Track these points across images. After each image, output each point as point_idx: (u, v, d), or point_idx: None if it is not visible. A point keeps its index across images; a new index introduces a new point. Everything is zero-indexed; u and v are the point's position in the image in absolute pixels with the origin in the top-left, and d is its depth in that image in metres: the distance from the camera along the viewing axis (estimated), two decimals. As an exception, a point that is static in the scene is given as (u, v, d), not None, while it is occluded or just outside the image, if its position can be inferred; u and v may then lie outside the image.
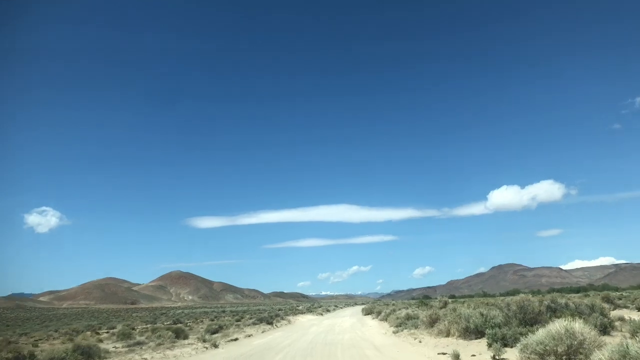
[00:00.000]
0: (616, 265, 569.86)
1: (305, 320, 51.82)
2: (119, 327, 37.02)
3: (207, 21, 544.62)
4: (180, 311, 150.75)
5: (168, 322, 60.85)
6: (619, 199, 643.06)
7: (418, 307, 45.50)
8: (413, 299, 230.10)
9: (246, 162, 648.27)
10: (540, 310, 16.40)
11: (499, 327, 15.64)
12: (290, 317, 52.38)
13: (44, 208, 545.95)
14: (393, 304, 70.59)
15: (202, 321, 56.71)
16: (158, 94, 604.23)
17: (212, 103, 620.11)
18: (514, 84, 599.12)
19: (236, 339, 25.35)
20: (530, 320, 16.29)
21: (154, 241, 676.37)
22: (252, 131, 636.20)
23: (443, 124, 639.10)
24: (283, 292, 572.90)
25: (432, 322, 24.84)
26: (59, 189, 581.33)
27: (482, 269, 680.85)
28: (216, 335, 27.60)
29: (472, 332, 17.99)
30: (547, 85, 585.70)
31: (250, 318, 45.19)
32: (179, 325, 34.68)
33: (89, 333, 35.98)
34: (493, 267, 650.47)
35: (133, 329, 36.73)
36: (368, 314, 60.25)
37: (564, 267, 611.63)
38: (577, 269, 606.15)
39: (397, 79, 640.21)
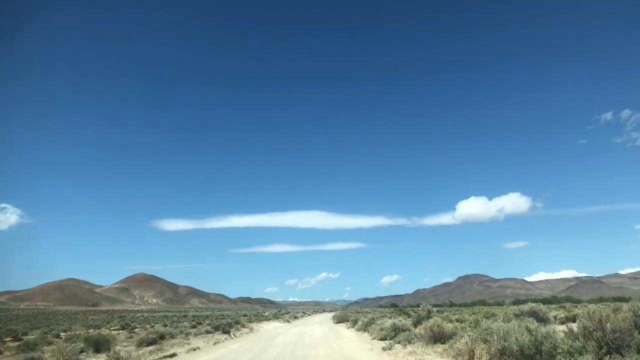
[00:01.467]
0: (577, 278, 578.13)
1: (270, 328, 45.29)
2: (34, 334, 29.60)
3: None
4: (139, 315, 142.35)
5: (115, 327, 53.78)
6: (583, 213, 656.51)
7: (399, 316, 39.50)
8: (381, 306, 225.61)
9: (217, 165, 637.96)
10: (628, 329, 10.43)
11: (580, 353, 9.59)
12: (254, 325, 45.72)
13: (3, 205, 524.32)
14: (368, 312, 64.51)
15: (153, 326, 49.93)
16: (127, 94, 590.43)
17: (183, 105, 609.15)
18: (484, 98, 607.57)
19: (172, 356, 18.64)
20: (615, 343, 10.33)
21: (119, 243, 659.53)
22: (224, 134, 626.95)
23: (415, 135, 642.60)
24: (250, 298, 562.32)
25: (435, 338, 18.76)
26: (20, 186, 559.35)
27: (449, 279, 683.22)
28: (150, 347, 20.92)
29: (514, 357, 11.97)
30: (516, 101, 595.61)
31: (209, 324, 38.53)
32: (106, 334, 27.45)
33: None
34: (459, 277, 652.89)
35: (58, 336, 29.62)
36: (340, 322, 54.01)
37: (528, 279, 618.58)
38: (540, 281, 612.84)
39: (370, 89, 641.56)
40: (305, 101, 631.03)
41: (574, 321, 36.33)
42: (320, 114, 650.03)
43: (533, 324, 12.52)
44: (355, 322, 37.72)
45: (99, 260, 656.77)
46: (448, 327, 18.85)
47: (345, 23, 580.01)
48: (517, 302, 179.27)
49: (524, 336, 11.68)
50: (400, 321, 28.81)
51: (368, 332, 28.56)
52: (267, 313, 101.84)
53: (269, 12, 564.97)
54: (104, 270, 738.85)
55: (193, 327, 39.73)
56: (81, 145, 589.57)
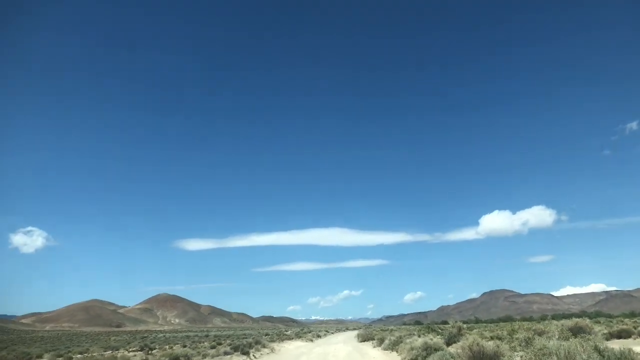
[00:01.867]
0: (607, 292, 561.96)
1: (292, 348, 43.34)
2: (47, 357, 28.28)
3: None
4: (161, 335, 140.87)
5: (134, 349, 52.32)
6: (609, 225, 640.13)
7: (427, 333, 37.25)
8: (405, 324, 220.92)
9: (238, 183, 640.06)
10: None
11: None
12: (276, 344, 43.74)
13: (30, 228, 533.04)
14: (393, 329, 62.09)
15: (172, 347, 48.41)
16: (148, 109, 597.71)
17: (203, 120, 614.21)
18: (506, 110, 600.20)
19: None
20: None
21: (142, 263, 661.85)
22: (245, 151, 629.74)
23: (436, 150, 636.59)
24: (272, 317, 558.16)
25: (475, 358, 16.75)
26: (46, 209, 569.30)
27: (474, 295, 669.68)
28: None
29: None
30: (539, 112, 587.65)
31: (229, 345, 36.76)
32: (121, 356, 26.01)
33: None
34: (484, 293, 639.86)
35: (71, 358, 28.23)
36: (365, 341, 51.78)
37: (555, 294, 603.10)
38: (568, 296, 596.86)
39: (391, 103, 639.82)
40: (325, 116, 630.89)
41: (619, 337, 33.79)
42: (340, 129, 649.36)
43: (602, 343, 10.52)
44: (381, 341, 35.58)
45: (122, 281, 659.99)
46: (489, 345, 16.81)
47: (363, 31, 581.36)
48: (544, 317, 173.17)
49: (592, 357, 9.76)
50: (431, 339, 26.70)
51: (396, 351, 26.53)
52: (289, 332, 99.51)
53: (282, 18, 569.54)
54: (127, 291, 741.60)
55: (212, 347, 37.98)
56: (104, 167, 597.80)
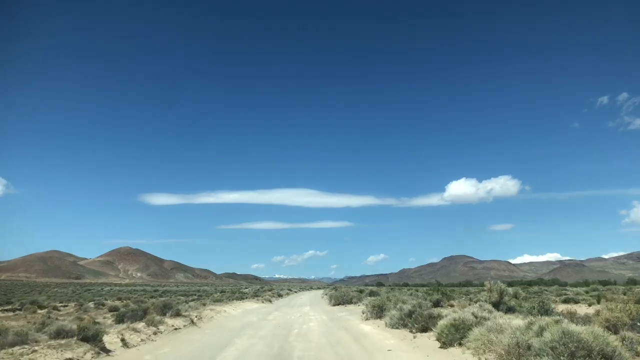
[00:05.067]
0: (561, 261, 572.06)
1: (236, 314, 29.90)
2: None
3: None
4: (108, 288, 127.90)
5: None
6: (570, 198, 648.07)
7: (445, 299, 24.14)
8: (366, 285, 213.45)
9: (207, 141, 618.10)
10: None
11: None
12: (207, 310, 30.08)
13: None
14: (373, 290, 49.17)
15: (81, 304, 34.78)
16: (116, 67, 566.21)
17: (174, 79, 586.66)
18: (476, 79, 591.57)
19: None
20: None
21: (105, 216, 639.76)
22: (214, 109, 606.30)
23: (407, 115, 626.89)
24: (236, 274, 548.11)
25: None
26: (6, 156, 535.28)
27: (434, 259, 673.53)
28: None
29: None
30: (509, 82, 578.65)
31: (113, 313, 22.89)
32: None
33: None
34: (444, 258, 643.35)
35: None
36: (338, 304, 38.75)
37: (512, 261, 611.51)
38: (524, 264, 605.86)
39: (361, 67, 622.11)
40: (295, 78, 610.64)
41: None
42: (310, 91, 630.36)
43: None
44: (376, 310, 21.91)
45: (84, 233, 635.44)
46: None
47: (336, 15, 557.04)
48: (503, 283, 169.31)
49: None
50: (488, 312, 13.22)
51: (441, 341, 12.99)
52: (247, 290, 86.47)
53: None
54: (88, 243, 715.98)
55: (114, 311, 24.11)
56: (68, 116, 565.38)
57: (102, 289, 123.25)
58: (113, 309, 25.19)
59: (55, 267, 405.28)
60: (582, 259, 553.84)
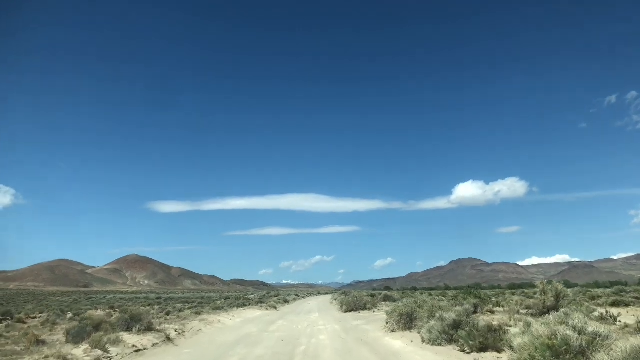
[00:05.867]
0: (569, 262, 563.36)
1: (237, 323, 25.40)
2: None
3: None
4: (111, 296, 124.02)
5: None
6: (578, 199, 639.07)
7: (483, 303, 19.54)
8: (374, 289, 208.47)
9: (213, 147, 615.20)
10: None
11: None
12: (212, 316, 25.70)
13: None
14: (384, 295, 44.67)
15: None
16: (123, 71, 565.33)
17: (179, 86, 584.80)
18: (482, 81, 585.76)
19: None
20: None
21: (113, 224, 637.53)
22: (221, 115, 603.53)
23: (413, 118, 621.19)
24: (243, 280, 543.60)
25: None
26: (15, 166, 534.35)
27: (442, 263, 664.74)
28: None
29: None
30: (516, 83, 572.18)
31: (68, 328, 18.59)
32: None
33: None
34: (452, 261, 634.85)
35: None
36: (350, 311, 34.14)
37: (520, 263, 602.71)
38: (532, 266, 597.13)
39: (369, 74, 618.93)
40: (302, 82, 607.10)
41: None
42: (317, 96, 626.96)
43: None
44: (405, 319, 17.20)
45: (91, 241, 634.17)
46: None
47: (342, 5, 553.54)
48: (511, 286, 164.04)
49: None
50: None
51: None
52: (252, 296, 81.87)
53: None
54: (96, 251, 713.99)
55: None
56: (76, 126, 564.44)
57: (105, 297, 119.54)
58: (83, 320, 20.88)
59: (63, 276, 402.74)
60: (591, 260, 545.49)
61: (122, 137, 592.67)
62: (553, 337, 8.06)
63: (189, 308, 38.21)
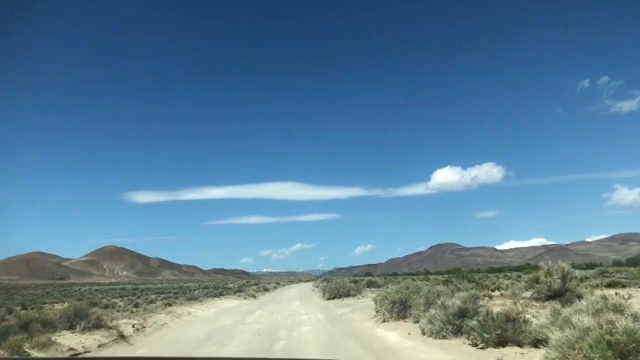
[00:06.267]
0: (546, 246, 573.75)
1: (210, 314, 23.17)
2: None
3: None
4: (86, 288, 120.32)
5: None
6: (553, 183, 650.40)
7: (474, 287, 17.71)
8: (355, 276, 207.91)
9: (190, 136, 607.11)
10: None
11: None
12: (183, 307, 23.46)
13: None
14: (368, 281, 42.85)
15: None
16: (100, 64, 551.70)
17: (155, 74, 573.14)
18: (459, 67, 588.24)
19: None
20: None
21: (89, 215, 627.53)
22: (198, 104, 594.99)
23: (391, 105, 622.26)
24: (224, 269, 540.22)
25: None
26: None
27: (422, 248, 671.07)
28: None
29: None
30: (491, 69, 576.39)
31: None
32: None
33: None
34: (432, 246, 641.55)
35: None
36: (333, 298, 32.18)
37: (498, 247, 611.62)
38: (510, 249, 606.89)
39: (345, 61, 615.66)
40: (281, 71, 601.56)
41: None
42: (296, 84, 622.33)
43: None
44: (400, 307, 14.98)
45: (67, 233, 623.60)
46: None
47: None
48: (490, 270, 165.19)
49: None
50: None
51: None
52: (232, 285, 79.53)
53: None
54: (72, 243, 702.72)
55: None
56: (49, 115, 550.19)
57: (79, 289, 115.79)
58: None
59: (39, 269, 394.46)
60: (567, 243, 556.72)
61: (96, 127, 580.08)
62: (611, 330, 6.03)
63: (162, 299, 35.82)
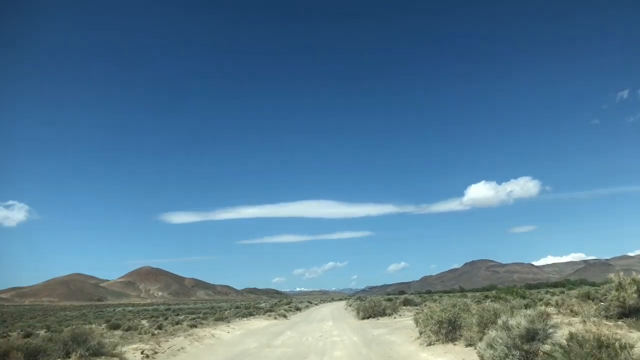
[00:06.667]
0: (585, 261, 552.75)
1: (236, 336, 21.44)
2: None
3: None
4: (120, 309, 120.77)
5: None
6: (592, 196, 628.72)
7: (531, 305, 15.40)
8: (388, 294, 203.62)
9: (224, 156, 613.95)
10: None
11: None
12: (207, 328, 21.84)
13: (11, 202, 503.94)
14: (404, 299, 40.48)
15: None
16: (133, 89, 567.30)
17: (188, 97, 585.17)
18: (494, 81, 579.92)
19: None
20: None
21: (126, 237, 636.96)
22: (230, 125, 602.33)
23: (424, 121, 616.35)
24: (256, 288, 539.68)
25: None
26: (28, 182, 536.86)
27: (456, 265, 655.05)
28: None
29: None
30: (527, 82, 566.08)
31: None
32: None
33: None
34: (466, 263, 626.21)
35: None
36: (368, 317, 30.02)
37: (535, 263, 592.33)
38: (547, 265, 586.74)
39: (381, 79, 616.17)
40: (312, 90, 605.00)
41: None
42: (328, 102, 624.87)
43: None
44: (448, 327, 12.93)
45: (105, 255, 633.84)
46: None
47: (349, 13, 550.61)
48: (527, 286, 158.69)
49: None
50: None
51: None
52: (263, 304, 77.80)
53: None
54: (110, 265, 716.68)
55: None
56: (86, 140, 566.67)
57: (113, 310, 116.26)
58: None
59: (78, 290, 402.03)
60: (607, 258, 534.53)
61: (131, 149, 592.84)
62: None
63: (190, 320, 34.38)
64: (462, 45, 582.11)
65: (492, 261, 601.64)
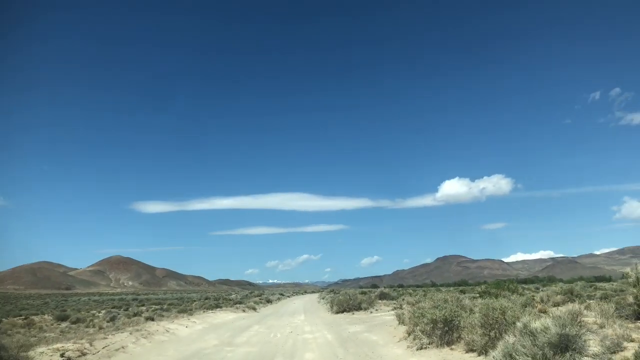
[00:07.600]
0: (553, 258, 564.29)
1: (195, 331, 19.01)
2: None
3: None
4: (85, 299, 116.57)
5: None
6: (562, 195, 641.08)
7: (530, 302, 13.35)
8: (361, 287, 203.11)
9: (199, 146, 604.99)
10: None
11: None
12: (163, 322, 19.30)
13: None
14: (380, 292, 38.42)
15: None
16: (106, 73, 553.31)
17: (164, 85, 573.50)
18: (468, 77, 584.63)
19: None
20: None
21: (97, 225, 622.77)
22: (205, 115, 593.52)
23: (400, 116, 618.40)
24: (229, 280, 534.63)
25: None
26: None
27: (428, 260, 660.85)
28: None
29: None
30: (500, 80, 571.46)
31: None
32: None
33: None
34: (438, 258, 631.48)
35: None
36: (342, 312, 27.87)
37: (505, 260, 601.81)
38: (517, 262, 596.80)
39: (354, 71, 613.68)
40: (287, 82, 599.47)
41: None
42: (302, 94, 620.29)
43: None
44: (444, 328, 10.77)
45: (74, 243, 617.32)
46: None
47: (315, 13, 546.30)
48: (498, 282, 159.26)
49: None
50: None
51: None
52: (234, 296, 75.19)
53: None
54: (79, 253, 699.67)
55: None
56: (56, 125, 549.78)
57: (79, 299, 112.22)
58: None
59: (45, 278, 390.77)
60: (575, 256, 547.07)
61: (104, 137, 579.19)
62: None
63: (152, 310, 31.76)
64: (437, 41, 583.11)
65: (463, 257, 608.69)
